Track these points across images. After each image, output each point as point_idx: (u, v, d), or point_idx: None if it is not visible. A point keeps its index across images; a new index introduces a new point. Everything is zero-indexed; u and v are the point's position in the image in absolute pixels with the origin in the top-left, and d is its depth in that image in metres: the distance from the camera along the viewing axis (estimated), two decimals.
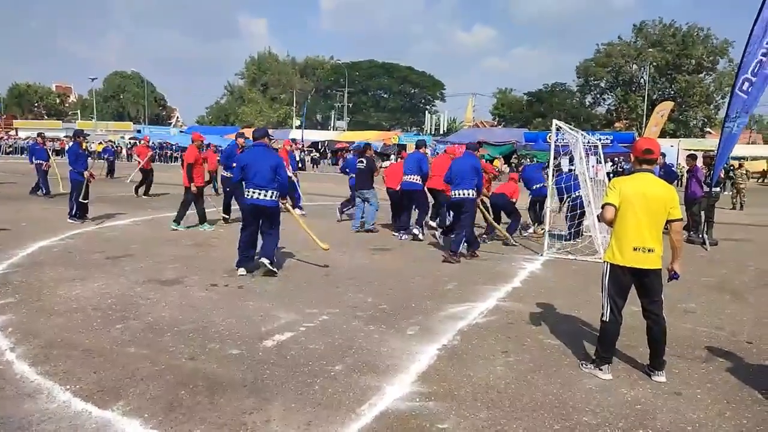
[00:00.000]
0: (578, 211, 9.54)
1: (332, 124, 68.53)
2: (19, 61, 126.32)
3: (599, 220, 4.31)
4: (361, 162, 10.56)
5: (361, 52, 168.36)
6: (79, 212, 10.49)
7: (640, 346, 4.58)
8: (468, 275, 7.03)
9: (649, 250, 3.84)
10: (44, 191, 14.34)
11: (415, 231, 9.65)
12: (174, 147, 45.00)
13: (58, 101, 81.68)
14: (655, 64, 51.16)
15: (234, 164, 7.45)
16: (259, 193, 6.53)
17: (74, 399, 3.36)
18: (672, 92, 51.47)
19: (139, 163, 16.57)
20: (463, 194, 8.01)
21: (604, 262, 4.10)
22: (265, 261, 6.57)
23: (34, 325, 4.66)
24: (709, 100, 51.68)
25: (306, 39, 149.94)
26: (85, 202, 10.57)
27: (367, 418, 3.24)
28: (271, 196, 6.57)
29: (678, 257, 4.00)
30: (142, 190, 15.44)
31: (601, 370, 3.98)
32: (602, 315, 4.09)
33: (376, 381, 3.76)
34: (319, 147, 49.10)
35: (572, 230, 9.78)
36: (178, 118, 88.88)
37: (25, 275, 6.30)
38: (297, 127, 54.13)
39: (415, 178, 9.65)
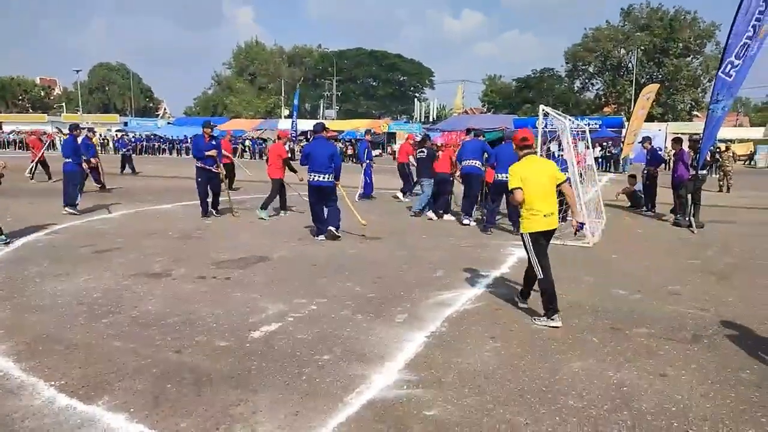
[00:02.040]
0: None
1: (321, 113, 68.14)
2: (0, 55, 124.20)
3: (515, 204, 5.00)
4: (422, 152, 11.41)
5: (349, 40, 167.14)
6: (75, 202, 10.72)
7: (626, 329, 4.62)
8: (456, 262, 7.04)
9: (552, 214, 4.79)
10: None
11: (466, 221, 10.20)
12: (162, 139, 44.65)
13: (42, 94, 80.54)
14: (642, 48, 51.25)
15: (205, 155, 9.68)
16: (320, 176, 8.14)
17: (59, 395, 3.33)
18: (660, 76, 51.56)
19: (33, 154, 17.90)
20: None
21: (524, 233, 4.84)
22: (332, 228, 8.30)
23: (19, 321, 4.61)
24: (696, 84, 51.90)
25: (293, 27, 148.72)
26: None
27: (355, 407, 3.24)
28: (328, 178, 8.19)
29: (575, 210, 5.17)
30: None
31: (553, 320, 4.66)
32: (538, 276, 4.79)
33: (363, 370, 3.76)
34: (308, 136, 48.80)
35: (559, 215, 9.80)
36: (165, 109, 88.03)
37: (9, 271, 6.23)
38: (286, 117, 53.74)
39: (476, 163, 10.14)
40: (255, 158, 39.32)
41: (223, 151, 14.76)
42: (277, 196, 10.85)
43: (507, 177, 8.75)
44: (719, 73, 9.41)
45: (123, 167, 20.89)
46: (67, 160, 10.91)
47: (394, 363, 3.89)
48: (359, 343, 4.24)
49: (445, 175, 11.10)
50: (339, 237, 8.31)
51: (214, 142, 10.38)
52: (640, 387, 3.55)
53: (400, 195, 13.98)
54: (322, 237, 8.35)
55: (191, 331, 4.43)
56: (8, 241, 7.64)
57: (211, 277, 6.14)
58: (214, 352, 4.01)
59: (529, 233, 4.78)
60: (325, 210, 8.43)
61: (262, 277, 6.19)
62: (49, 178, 17.00)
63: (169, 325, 4.55)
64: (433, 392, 3.44)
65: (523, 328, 4.65)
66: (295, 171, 10.62)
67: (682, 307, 5.28)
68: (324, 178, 8.20)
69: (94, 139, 16.38)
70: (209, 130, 10.43)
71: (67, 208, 10.54)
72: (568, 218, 9.89)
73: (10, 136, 46.40)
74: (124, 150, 22.38)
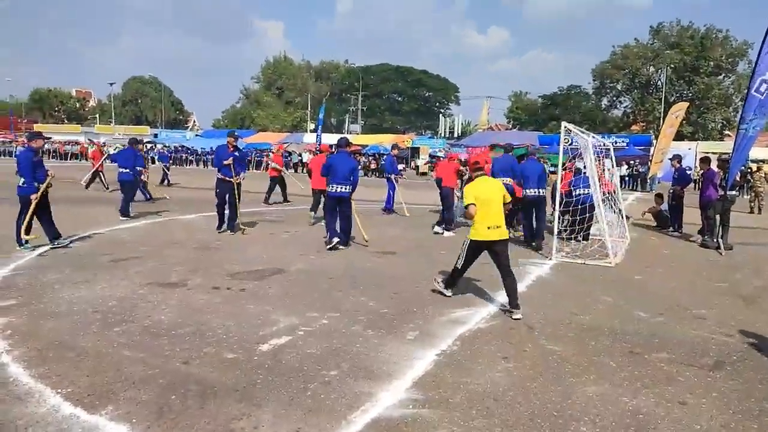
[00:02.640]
0: (587, 215, 9.37)
1: (346, 128, 68.61)
2: (38, 66, 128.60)
3: (468, 217, 5.73)
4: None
5: (375, 55, 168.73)
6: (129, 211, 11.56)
7: (645, 353, 4.46)
8: (473, 280, 6.92)
9: (498, 227, 5.52)
10: (148, 197, 15.16)
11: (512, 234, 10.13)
12: (190, 150, 45.44)
13: (78, 105, 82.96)
14: (672, 66, 50.46)
15: (224, 163, 9.72)
16: (340, 187, 8.68)
17: (64, 403, 3.33)
18: (690, 94, 50.64)
19: (93, 165, 18.82)
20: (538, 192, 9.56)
21: (469, 239, 5.68)
22: (342, 236, 8.81)
23: (34, 328, 4.66)
24: (727, 103, 50.78)
25: (320, 42, 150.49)
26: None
27: (358, 425, 3.17)
28: (346, 189, 8.74)
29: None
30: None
31: (447, 290, 5.93)
32: (457, 263, 5.83)
33: (370, 387, 3.69)
34: (332, 150, 49.13)
35: (581, 233, 9.62)
36: (194, 121, 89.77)
37: (31, 277, 6.34)
38: (311, 131, 54.26)
39: (508, 181, 9.87)
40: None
41: (273, 163, 15.43)
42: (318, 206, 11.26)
43: (535, 192, 9.47)
44: (751, 92, 9.18)
45: (163, 180, 21.14)
46: (125, 170, 11.81)
47: (401, 381, 3.81)
48: (368, 360, 4.17)
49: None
50: (349, 244, 8.82)
51: (237, 153, 10.24)
52: (656, 415, 3.40)
53: (439, 229, 10.89)
54: (336, 240, 8.68)
55: (201, 342, 4.42)
56: (31, 247, 7.81)
57: (226, 288, 6.15)
58: (221, 364, 3.99)
59: (471, 240, 5.64)
60: (338, 222, 8.89)
61: (276, 289, 6.18)
62: (106, 188, 17.71)
63: (180, 336, 4.55)
64: (440, 413, 3.35)
65: (537, 349, 4.52)
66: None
67: (706, 331, 5.08)
68: (343, 189, 8.71)
69: (142, 150, 16.71)
70: (233, 139, 10.27)
71: (122, 217, 11.29)
72: (591, 236, 9.75)
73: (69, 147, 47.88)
74: (165, 163, 22.73)
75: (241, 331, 4.70)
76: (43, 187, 7.87)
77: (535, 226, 9.71)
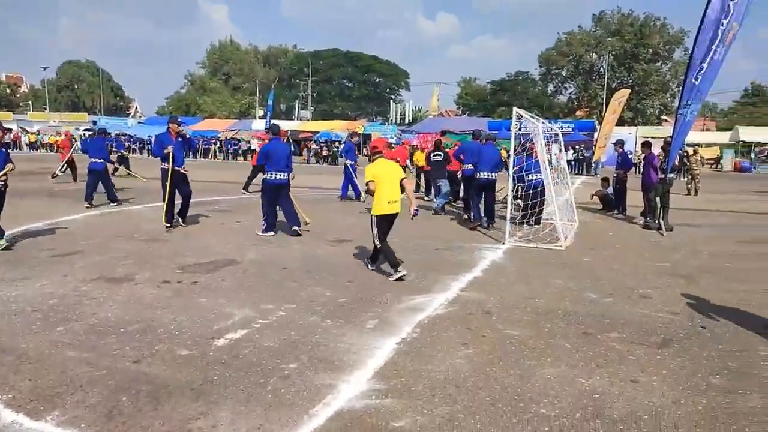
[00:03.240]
0: (539, 199, 9.57)
1: (296, 114, 67.62)
2: None
3: (369, 193, 6.50)
4: (438, 155, 12.47)
5: (324, 40, 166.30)
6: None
7: (598, 334, 4.59)
8: (428, 265, 6.96)
9: (395, 201, 6.26)
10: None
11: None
12: (132, 138, 43.64)
13: (8, 91, 78.18)
14: (613, 53, 52.17)
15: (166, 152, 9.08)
16: (280, 174, 8.75)
17: (5, 410, 3.13)
18: (630, 81, 52.56)
19: (63, 155, 18.44)
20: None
21: (373, 215, 6.33)
22: (297, 228, 8.74)
23: None
24: (665, 89, 53.07)
25: (267, 26, 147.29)
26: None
27: (321, 419, 3.12)
28: (285, 176, 8.85)
29: (412, 201, 6.45)
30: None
31: (398, 271, 6.12)
32: (375, 243, 6.38)
33: (331, 378, 3.63)
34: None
35: (533, 217, 9.81)
36: (136, 108, 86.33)
37: None
38: (260, 117, 53.15)
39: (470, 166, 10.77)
40: (228, 159, 38.80)
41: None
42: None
43: (486, 176, 9.86)
44: (689, 79, 9.53)
45: (122, 165, 19.29)
46: (98, 160, 12.01)
47: (362, 371, 3.77)
48: (327, 351, 4.11)
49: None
50: (300, 235, 8.71)
51: (181, 140, 9.59)
52: (611, 394, 3.50)
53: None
54: (272, 232, 8.74)
55: (152, 339, 4.24)
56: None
57: (177, 281, 5.93)
58: (174, 362, 3.84)
59: (376, 216, 6.31)
60: (279, 209, 8.99)
61: (230, 281, 6.01)
62: (75, 180, 17.10)
63: (129, 333, 4.35)
64: (403, 402, 3.33)
65: (495, 334, 4.58)
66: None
67: (652, 310, 5.28)
68: (283, 176, 8.81)
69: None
70: (176, 125, 9.47)
71: (86, 203, 11.55)
72: (543, 220, 9.98)
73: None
74: (121, 150, 21.43)
75: (194, 327, 4.54)
76: None
77: (484, 208, 10.01)
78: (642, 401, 3.41)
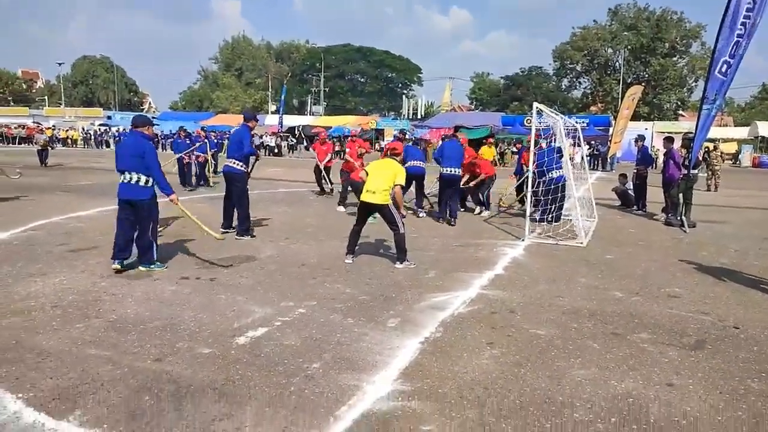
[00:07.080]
0: (560, 194, 9.39)
1: (309, 109, 67.60)
2: None
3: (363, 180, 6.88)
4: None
5: (337, 35, 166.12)
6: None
7: (627, 335, 4.46)
8: (448, 263, 6.84)
9: (373, 192, 6.51)
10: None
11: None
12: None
13: (24, 87, 78.92)
14: (629, 47, 51.45)
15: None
16: (233, 162, 8.02)
17: (26, 409, 3.07)
18: (646, 75, 51.87)
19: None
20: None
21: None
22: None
23: None
24: (682, 83, 52.24)
25: (279, 22, 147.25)
26: None
27: (347, 422, 3.03)
28: (240, 166, 8.02)
29: (400, 206, 6.68)
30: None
31: (347, 257, 6.75)
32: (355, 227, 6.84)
33: (355, 379, 3.54)
34: (296, 132, 48.36)
35: (553, 213, 9.65)
36: (150, 103, 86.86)
37: None
38: (273, 112, 53.18)
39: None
40: None
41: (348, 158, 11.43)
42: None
43: (450, 171, 9.95)
44: (714, 72, 9.28)
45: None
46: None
47: (387, 372, 3.67)
48: (350, 350, 4.02)
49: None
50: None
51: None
52: (647, 397, 3.38)
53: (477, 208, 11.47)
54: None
55: (172, 337, 4.18)
56: None
57: (195, 277, 5.87)
58: (196, 361, 3.77)
59: (360, 201, 6.80)
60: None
61: (248, 277, 5.95)
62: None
63: (149, 331, 4.30)
64: (431, 405, 3.23)
65: (521, 333, 4.46)
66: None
67: (682, 310, 5.13)
68: (236, 165, 7.98)
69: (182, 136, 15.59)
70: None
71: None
72: (563, 217, 9.80)
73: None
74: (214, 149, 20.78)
75: (214, 324, 4.48)
76: None
77: (450, 204, 9.96)
78: (679, 406, 3.28)
